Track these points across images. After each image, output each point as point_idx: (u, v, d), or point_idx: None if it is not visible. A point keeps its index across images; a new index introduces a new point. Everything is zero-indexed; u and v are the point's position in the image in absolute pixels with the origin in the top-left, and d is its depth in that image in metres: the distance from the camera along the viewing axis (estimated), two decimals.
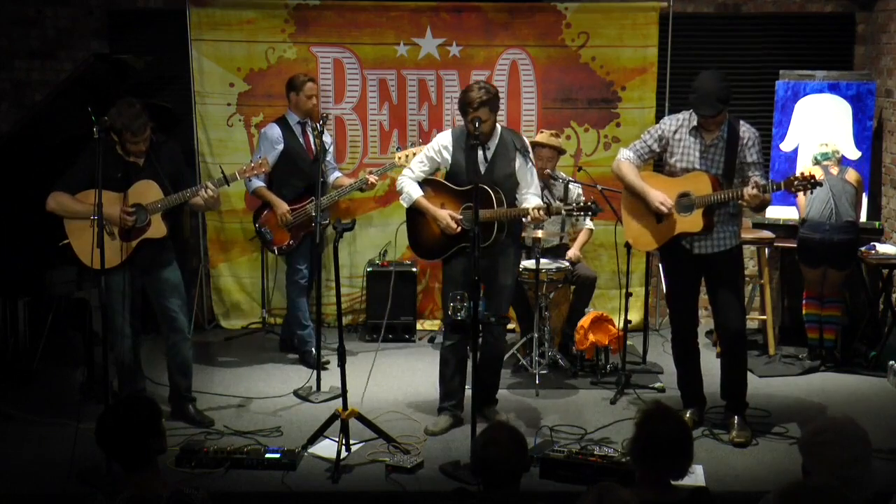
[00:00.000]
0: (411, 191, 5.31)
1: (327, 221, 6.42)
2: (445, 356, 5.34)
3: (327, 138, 6.56)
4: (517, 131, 5.97)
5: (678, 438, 3.18)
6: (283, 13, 7.10)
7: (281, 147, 6.30)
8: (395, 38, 7.14)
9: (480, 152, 5.13)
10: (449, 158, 5.24)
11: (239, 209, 7.35)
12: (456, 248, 5.23)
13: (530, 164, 5.27)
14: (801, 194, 6.47)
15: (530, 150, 5.36)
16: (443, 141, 5.29)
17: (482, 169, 5.13)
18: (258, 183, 6.33)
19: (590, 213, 5.16)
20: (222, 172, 5.33)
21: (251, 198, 7.29)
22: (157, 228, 5.08)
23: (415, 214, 5.36)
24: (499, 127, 5.24)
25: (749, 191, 4.87)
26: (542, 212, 5.08)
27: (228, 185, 5.34)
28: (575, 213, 5.22)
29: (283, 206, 6.26)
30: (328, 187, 6.47)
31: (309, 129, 6.35)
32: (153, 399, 3.59)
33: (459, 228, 5.18)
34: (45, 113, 5.81)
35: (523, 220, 5.28)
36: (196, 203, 5.25)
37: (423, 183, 5.33)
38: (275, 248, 6.39)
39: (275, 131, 6.34)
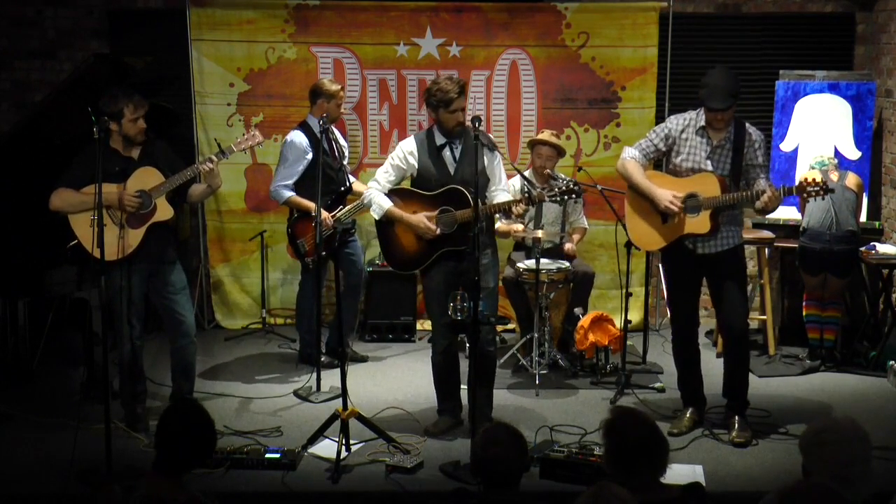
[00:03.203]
0: (381, 201, 5.12)
1: (354, 229, 6.39)
2: (437, 361, 5.30)
3: (343, 141, 6.44)
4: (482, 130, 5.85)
5: (648, 437, 3.16)
6: (283, 13, 7.10)
7: (310, 156, 6.06)
8: (395, 38, 7.14)
9: (448, 152, 5.06)
10: (416, 164, 5.10)
11: (239, 209, 7.35)
12: (435, 255, 5.09)
13: (498, 159, 5.21)
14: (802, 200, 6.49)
15: (496, 144, 5.28)
16: (407, 147, 5.14)
17: (451, 170, 5.05)
18: (289, 193, 6.08)
19: (574, 195, 5.06)
20: (219, 145, 5.30)
21: (251, 198, 7.33)
22: (164, 211, 5.08)
23: (385, 227, 5.20)
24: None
25: (768, 194, 4.84)
26: (524, 203, 4.99)
27: (226, 157, 5.24)
28: (559, 198, 5.09)
29: (324, 213, 5.82)
30: (351, 191, 6.32)
31: (331, 135, 6.16)
32: None
33: (438, 231, 5.05)
34: (45, 113, 5.81)
35: (500, 214, 5.21)
36: (195, 193, 5.26)
37: (391, 193, 5.16)
38: (309, 259, 6.11)
39: (303, 139, 6.09)
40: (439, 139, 5.10)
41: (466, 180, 4.99)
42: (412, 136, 5.27)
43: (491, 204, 5.06)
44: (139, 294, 5.18)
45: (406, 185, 5.24)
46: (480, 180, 5.06)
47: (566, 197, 5.08)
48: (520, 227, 6.20)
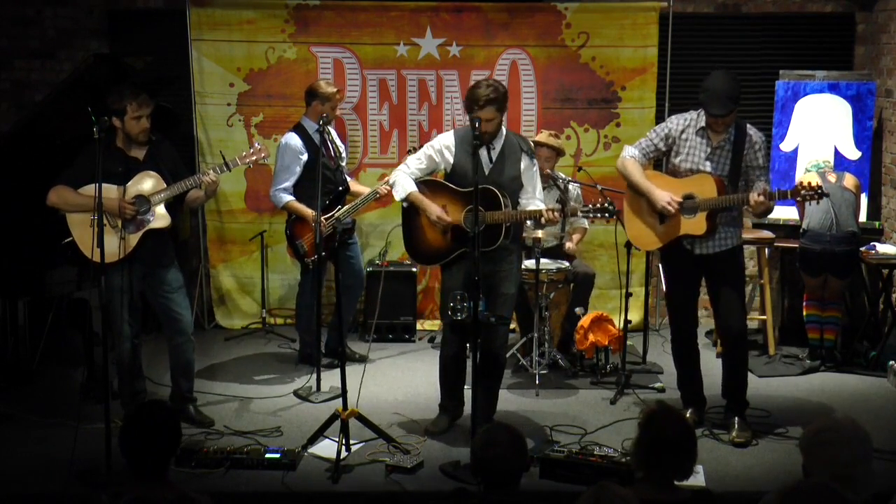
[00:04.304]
0: (405, 184, 5.09)
1: (354, 230, 6.39)
2: (445, 362, 5.29)
3: (339, 142, 6.43)
4: (521, 134, 5.88)
5: (683, 438, 3.18)
6: (283, 13, 7.10)
7: (305, 157, 6.08)
8: (395, 38, 7.14)
9: (485, 153, 5.02)
10: (451, 160, 5.08)
11: (239, 209, 7.35)
12: (457, 252, 5.05)
13: (535, 167, 5.19)
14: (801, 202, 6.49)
15: (534, 151, 5.30)
16: (445, 141, 5.13)
17: (486, 171, 5.03)
18: (288, 197, 6.10)
19: (607, 214, 5.06)
20: (223, 159, 5.31)
21: (251, 198, 7.33)
22: (161, 219, 5.07)
23: (411, 216, 5.20)
24: (504, 129, 5.13)
25: (755, 197, 4.84)
26: (557, 213, 4.98)
27: (230, 171, 5.28)
28: (592, 215, 5.11)
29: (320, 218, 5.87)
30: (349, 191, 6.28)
31: (326, 136, 6.15)
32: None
33: (450, 219, 5.02)
34: (45, 113, 5.80)
35: (531, 222, 5.21)
36: (193, 197, 5.25)
37: (421, 183, 5.14)
38: (308, 260, 6.12)
39: (298, 141, 6.11)
40: (475, 137, 5.07)
41: (499, 182, 4.99)
42: (452, 131, 5.26)
43: (523, 211, 5.03)
44: (135, 293, 5.18)
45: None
46: (515, 185, 5.09)
47: (599, 215, 5.10)
48: None
